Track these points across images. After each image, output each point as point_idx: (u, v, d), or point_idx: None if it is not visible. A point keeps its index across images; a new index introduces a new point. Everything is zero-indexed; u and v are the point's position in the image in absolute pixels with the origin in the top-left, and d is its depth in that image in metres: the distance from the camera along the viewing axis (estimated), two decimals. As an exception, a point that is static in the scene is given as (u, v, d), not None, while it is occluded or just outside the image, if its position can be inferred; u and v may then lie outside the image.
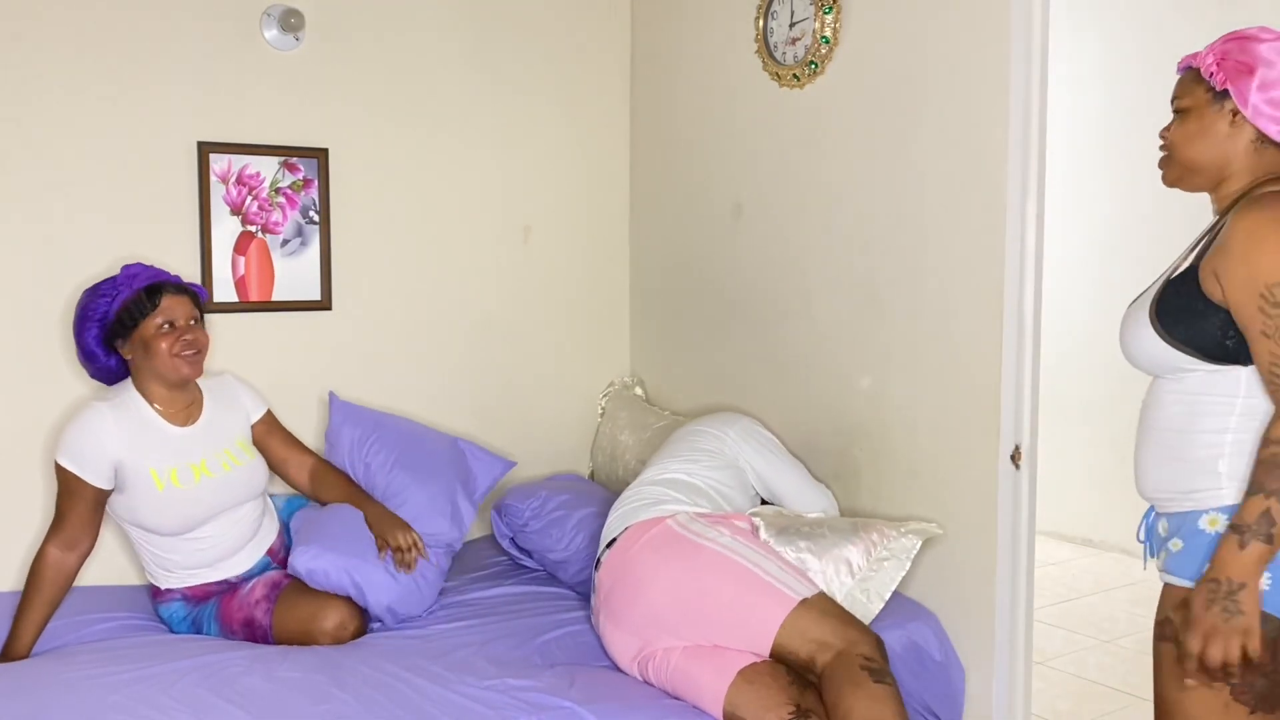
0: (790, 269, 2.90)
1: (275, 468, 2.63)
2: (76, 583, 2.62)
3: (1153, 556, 1.73)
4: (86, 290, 2.41)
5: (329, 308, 2.95)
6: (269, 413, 2.64)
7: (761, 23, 2.90)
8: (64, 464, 2.29)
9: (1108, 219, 4.62)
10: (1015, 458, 2.38)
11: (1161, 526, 1.67)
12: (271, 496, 2.68)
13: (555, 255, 3.36)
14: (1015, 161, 2.33)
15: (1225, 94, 1.59)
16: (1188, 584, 1.58)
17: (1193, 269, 1.59)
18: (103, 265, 2.64)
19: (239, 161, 2.79)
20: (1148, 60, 4.40)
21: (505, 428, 3.27)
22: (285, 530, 2.62)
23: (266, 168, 2.83)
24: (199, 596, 2.43)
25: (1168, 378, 1.64)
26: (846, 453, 2.77)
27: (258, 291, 2.84)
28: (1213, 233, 1.61)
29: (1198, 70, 1.63)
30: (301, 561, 2.37)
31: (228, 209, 2.79)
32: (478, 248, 3.20)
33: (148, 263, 2.66)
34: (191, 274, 2.75)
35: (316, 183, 2.90)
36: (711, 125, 3.15)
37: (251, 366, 2.84)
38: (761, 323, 3.01)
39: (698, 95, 3.19)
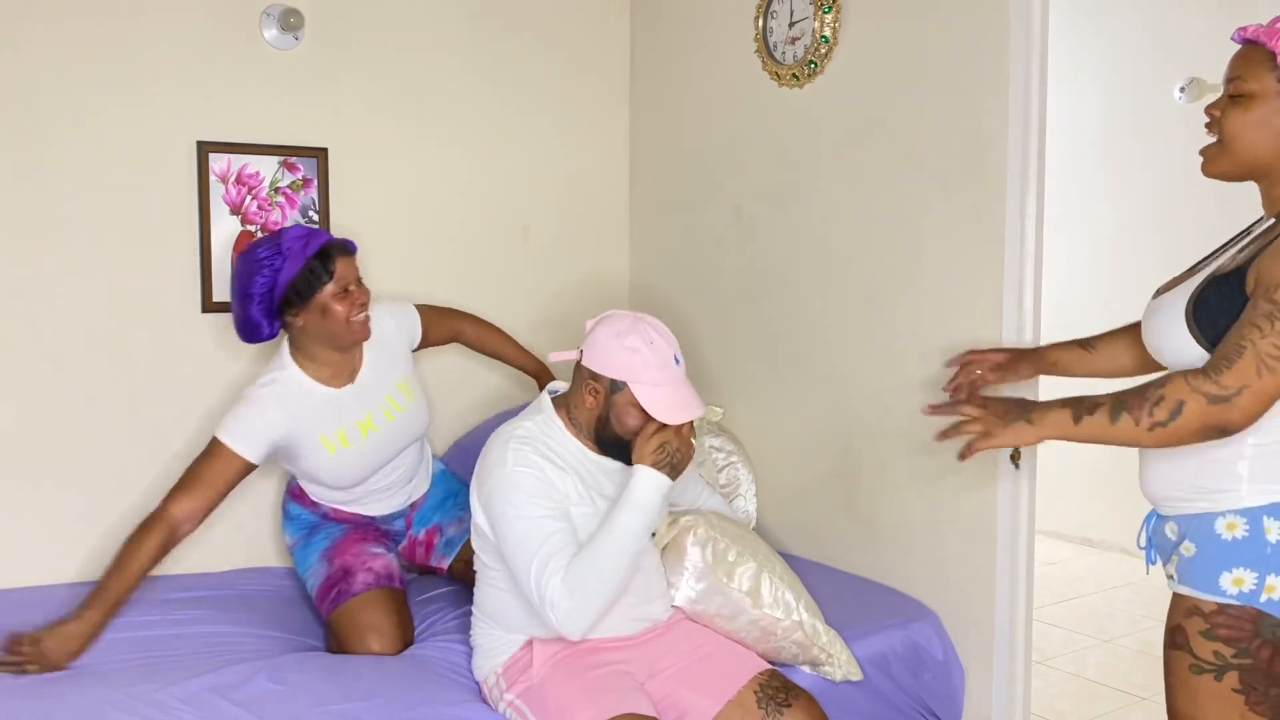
0: (790, 268, 2.90)
1: (448, 340, 2.76)
2: (79, 580, 2.64)
3: (1154, 562, 1.67)
4: (243, 259, 2.35)
5: (329, 307, 2.94)
6: (419, 312, 2.63)
7: (761, 22, 2.90)
8: (223, 439, 2.27)
9: (1107, 218, 4.62)
10: (1015, 458, 2.38)
11: (1170, 529, 1.60)
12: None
13: (555, 255, 3.35)
14: (1015, 161, 2.33)
15: None
16: (1201, 595, 1.52)
17: (1240, 271, 1.48)
18: (102, 264, 2.64)
19: (238, 161, 2.79)
20: (1148, 60, 4.40)
21: (505, 427, 3.26)
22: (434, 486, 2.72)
23: (266, 167, 2.83)
24: (334, 520, 2.53)
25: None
26: (847, 452, 2.77)
27: (257, 291, 2.84)
28: (1270, 236, 1.49)
29: (1265, 51, 1.48)
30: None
31: (227, 208, 2.78)
32: (477, 247, 3.20)
33: (149, 260, 2.68)
34: (191, 273, 2.75)
35: (316, 182, 2.90)
36: (711, 125, 3.15)
37: (251, 366, 2.84)
38: (761, 322, 3.01)
39: (697, 95, 3.19)
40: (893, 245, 2.61)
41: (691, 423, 2.01)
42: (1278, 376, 1.42)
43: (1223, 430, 1.45)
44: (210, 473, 2.28)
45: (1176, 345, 1.54)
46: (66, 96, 2.58)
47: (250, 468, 2.32)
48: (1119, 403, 1.50)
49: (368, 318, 2.39)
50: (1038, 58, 2.31)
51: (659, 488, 1.94)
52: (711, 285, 3.18)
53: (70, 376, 2.62)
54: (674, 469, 1.96)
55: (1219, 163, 1.56)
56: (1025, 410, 1.58)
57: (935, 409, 1.69)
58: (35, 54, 2.54)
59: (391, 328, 2.55)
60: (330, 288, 2.31)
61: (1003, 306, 2.36)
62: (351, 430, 2.40)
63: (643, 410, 1.96)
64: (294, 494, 2.60)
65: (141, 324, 2.71)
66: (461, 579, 2.61)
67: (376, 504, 2.57)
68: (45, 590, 2.55)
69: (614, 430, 2.00)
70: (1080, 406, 1.53)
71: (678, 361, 1.99)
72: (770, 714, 1.97)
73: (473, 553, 2.27)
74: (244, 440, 2.28)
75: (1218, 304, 1.49)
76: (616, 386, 1.97)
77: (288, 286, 2.28)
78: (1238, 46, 1.55)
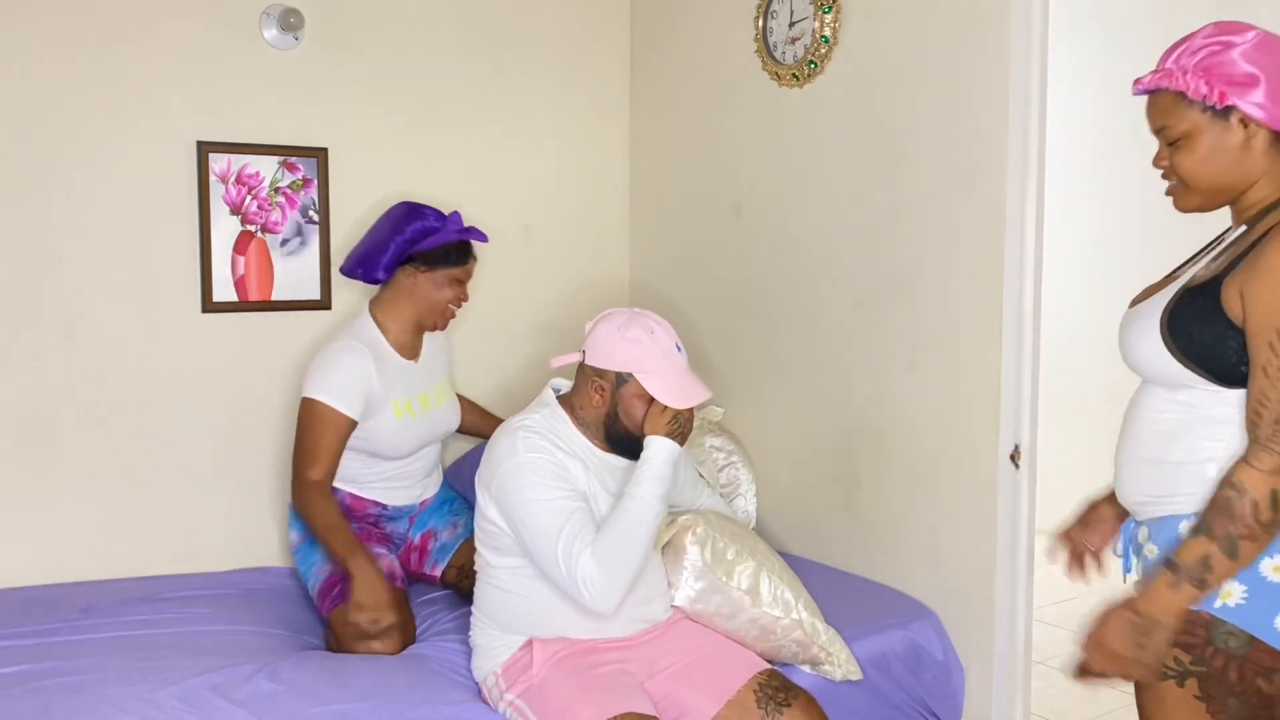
0: (789, 269, 2.90)
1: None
2: (77, 578, 2.64)
3: (1130, 571, 1.65)
4: (407, 206, 2.60)
5: (328, 307, 2.94)
6: None
7: (761, 22, 2.90)
8: (324, 400, 2.41)
9: (1107, 217, 4.62)
10: (1015, 457, 2.38)
11: (1142, 534, 1.59)
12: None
13: (555, 255, 3.35)
14: (1015, 161, 2.33)
15: (1228, 109, 1.48)
16: None
17: (1215, 283, 1.45)
18: (103, 264, 2.64)
19: (238, 161, 2.79)
20: (1147, 60, 4.39)
21: (505, 427, 3.26)
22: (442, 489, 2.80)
23: (266, 167, 2.83)
24: (348, 511, 2.54)
25: (1166, 386, 1.53)
26: (846, 453, 2.77)
27: (257, 291, 2.84)
28: (1242, 246, 1.47)
29: (1173, 93, 1.52)
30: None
31: (227, 208, 2.79)
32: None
33: (149, 260, 2.69)
34: (191, 273, 2.75)
35: (316, 182, 2.90)
36: (711, 125, 3.15)
37: (251, 366, 2.84)
38: (761, 322, 3.01)
39: (697, 95, 3.19)
40: (893, 245, 2.61)
41: None
42: None
43: None
44: (320, 437, 2.42)
45: (1151, 359, 1.51)
46: (67, 97, 2.58)
47: (353, 424, 2.43)
48: (1223, 535, 1.40)
49: (454, 316, 2.63)
50: (1038, 58, 2.31)
51: (671, 455, 2.00)
52: (711, 285, 3.18)
53: (70, 376, 2.62)
54: (683, 438, 2.03)
55: (1190, 199, 1.56)
56: (1148, 623, 1.44)
57: (1085, 678, 1.60)
58: (35, 54, 2.54)
59: (442, 341, 2.80)
60: (455, 271, 2.57)
61: (1003, 306, 2.36)
62: (415, 401, 2.57)
63: (649, 400, 2.00)
64: None
65: (141, 324, 2.71)
66: (454, 586, 2.61)
67: (398, 492, 2.62)
68: (45, 590, 2.56)
69: (623, 425, 2.02)
70: (1192, 570, 1.41)
71: (679, 350, 2.04)
72: (770, 713, 1.97)
73: (466, 559, 2.27)
74: (340, 397, 2.41)
75: (1191, 317, 1.47)
76: (622, 379, 2.00)
77: (432, 247, 2.52)
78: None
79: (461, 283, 2.60)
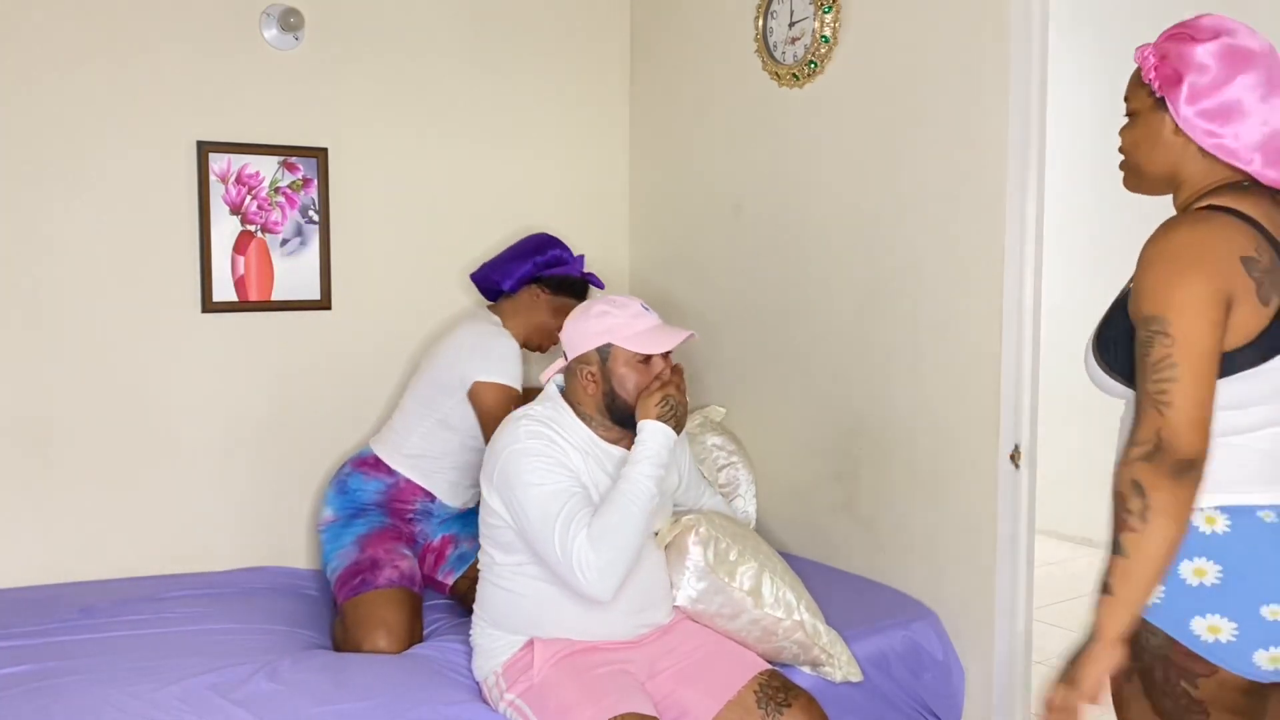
0: (790, 269, 2.90)
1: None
2: (77, 578, 2.64)
3: None
4: (544, 236, 2.81)
5: (328, 307, 2.95)
6: None
7: (761, 22, 2.90)
8: (503, 381, 2.55)
9: (1106, 217, 4.62)
10: (1015, 457, 2.38)
11: None
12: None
13: (555, 255, 3.35)
14: (1015, 161, 2.33)
15: (1164, 100, 1.47)
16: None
17: (1125, 294, 1.50)
18: (103, 264, 2.65)
19: (238, 161, 2.79)
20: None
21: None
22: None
23: (266, 167, 2.83)
24: (396, 495, 2.59)
25: (1123, 400, 1.54)
26: (847, 452, 2.77)
27: (257, 291, 2.84)
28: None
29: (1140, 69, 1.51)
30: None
31: (227, 208, 2.79)
32: (477, 247, 3.20)
33: (149, 260, 2.69)
34: (191, 273, 2.75)
35: (316, 182, 2.90)
36: (711, 125, 3.15)
37: (251, 367, 2.84)
38: (761, 322, 3.01)
39: (698, 95, 3.19)
40: (893, 245, 2.61)
41: (684, 379, 2.09)
42: (1176, 409, 1.34)
43: (1183, 466, 1.34)
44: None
45: (1094, 375, 1.53)
46: (67, 96, 2.58)
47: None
48: (1115, 538, 1.38)
49: (554, 343, 2.75)
50: (1038, 57, 2.31)
51: (666, 440, 2.00)
52: (712, 285, 3.18)
53: (70, 376, 2.62)
54: (678, 422, 2.03)
55: (1128, 179, 1.59)
56: (1079, 656, 1.40)
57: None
58: (35, 54, 2.54)
59: None
60: (572, 303, 2.71)
61: (1003, 306, 2.36)
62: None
63: (636, 365, 2.03)
64: (361, 464, 2.63)
65: (141, 324, 2.71)
66: (463, 598, 2.60)
67: (456, 488, 2.66)
68: (45, 590, 2.56)
69: (623, 399, 2.04)
70: (1103, 582, 1.39)
71: (647, 310, 2.08)
72: (770, 713, 1.97)
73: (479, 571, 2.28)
74: (514, 375, 2.57)
75: (1111, 330, 1.50)
76: (604, 354, 2.03)
77: (561, 275, 2.74)
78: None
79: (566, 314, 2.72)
